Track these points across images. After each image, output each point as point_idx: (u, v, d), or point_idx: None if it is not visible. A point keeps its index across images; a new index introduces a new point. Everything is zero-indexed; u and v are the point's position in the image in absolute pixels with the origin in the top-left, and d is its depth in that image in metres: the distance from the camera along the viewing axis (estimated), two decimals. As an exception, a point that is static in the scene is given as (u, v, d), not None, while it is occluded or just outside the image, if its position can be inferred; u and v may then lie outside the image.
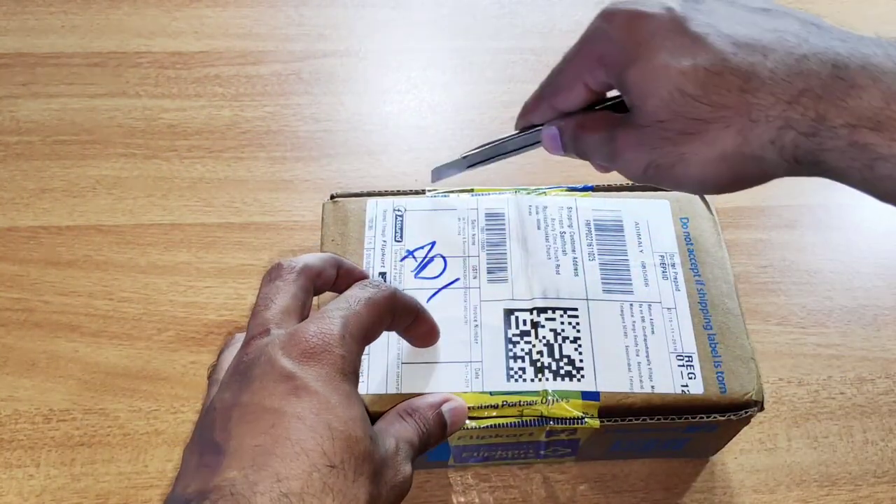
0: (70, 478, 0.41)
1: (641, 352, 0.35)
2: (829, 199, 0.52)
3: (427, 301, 0.37)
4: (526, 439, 0.36)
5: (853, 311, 0.48)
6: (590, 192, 0.41)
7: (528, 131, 0.35)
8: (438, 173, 0.39)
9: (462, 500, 0.41)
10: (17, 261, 0.49)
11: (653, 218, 0.40)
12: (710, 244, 0.39)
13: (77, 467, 0.42)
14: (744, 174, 0.28)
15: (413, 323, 0.32)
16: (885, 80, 0.24)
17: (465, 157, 0.38)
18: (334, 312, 0.28)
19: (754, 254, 0.50)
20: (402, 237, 0.39)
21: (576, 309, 0.36)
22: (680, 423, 0.34)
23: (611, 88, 0.32)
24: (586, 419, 0.34)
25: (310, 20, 0.60)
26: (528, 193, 0.41)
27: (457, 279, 0.38)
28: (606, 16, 0.30)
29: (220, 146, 0.54)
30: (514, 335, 0.36)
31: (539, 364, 0.35)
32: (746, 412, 0.34)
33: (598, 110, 0.33)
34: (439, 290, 0.37)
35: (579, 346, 0.35)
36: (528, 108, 0.35)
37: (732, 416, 0.34)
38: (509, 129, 0.37)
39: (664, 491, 0.42)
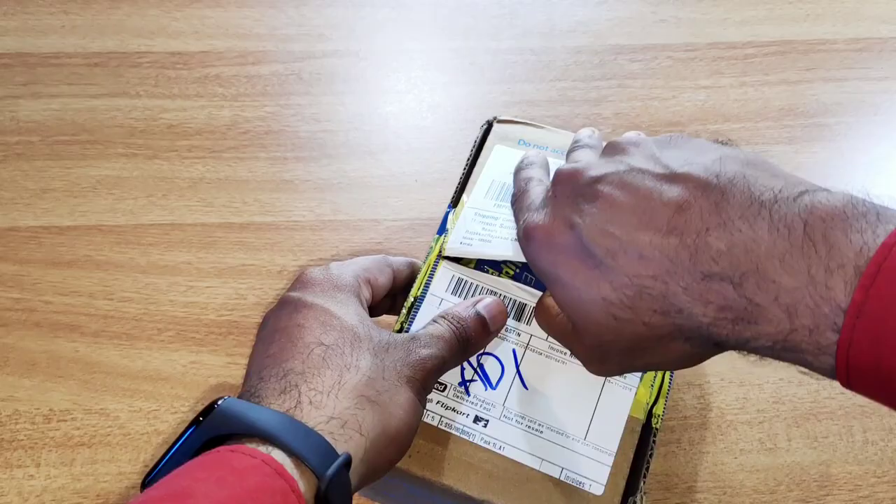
0: (70, 478, 0.41)
1: None
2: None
3: None
4: None
5: (853, 311, 0.48)
6: None
7: None
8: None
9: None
10: (18, 261, 0.49)
11: None
12: None
13: (77, 467, 0.42)
14: (705, 359, 0.27)
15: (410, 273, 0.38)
16: (784, 293, 0.23)
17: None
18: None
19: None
20: None
21: None
22: None
23: None
24: None
25: (310, 20, 0.60)
26: None
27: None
28: (527, 233, 0.31)
29: (221, 146, 0.54)
30: None
31: None
32: None
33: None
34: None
35: None
36: None
37: None
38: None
39: (664, 491, 0.42)
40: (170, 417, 0.43)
